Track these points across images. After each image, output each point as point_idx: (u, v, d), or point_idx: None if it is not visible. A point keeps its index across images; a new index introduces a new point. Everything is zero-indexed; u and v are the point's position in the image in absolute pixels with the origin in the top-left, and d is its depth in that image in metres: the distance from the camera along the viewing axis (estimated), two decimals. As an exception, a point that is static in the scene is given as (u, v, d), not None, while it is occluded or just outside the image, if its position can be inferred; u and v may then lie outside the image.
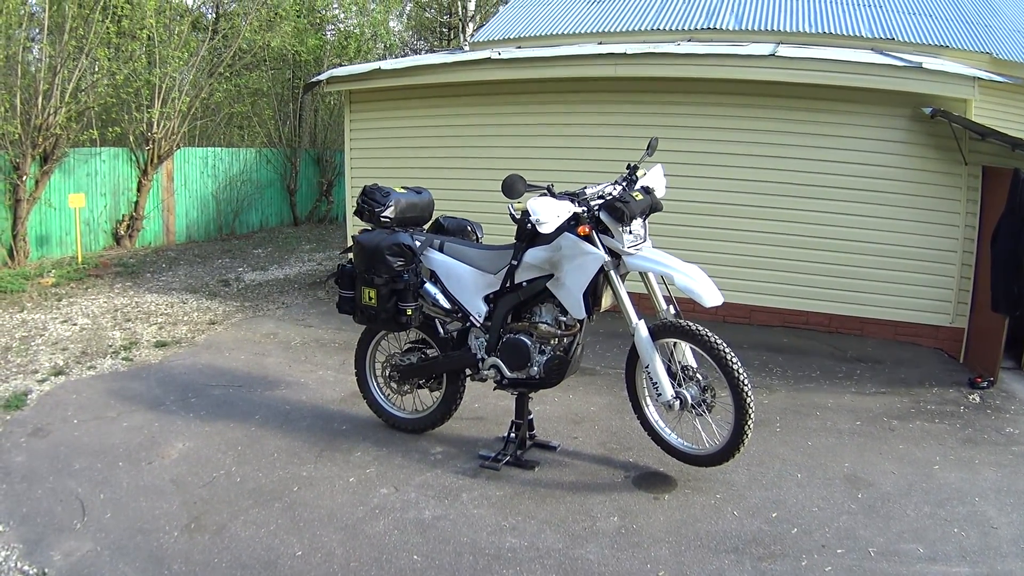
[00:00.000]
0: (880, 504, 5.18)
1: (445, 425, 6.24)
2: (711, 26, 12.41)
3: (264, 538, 4.67)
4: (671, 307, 5.39)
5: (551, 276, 5.34)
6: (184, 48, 16.21)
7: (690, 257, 5.43)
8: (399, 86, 10.96)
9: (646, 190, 5.38)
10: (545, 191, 5.19)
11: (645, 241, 5.32)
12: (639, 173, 5.57)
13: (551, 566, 4.39)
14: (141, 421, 6.50)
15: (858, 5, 12.65)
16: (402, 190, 6.06)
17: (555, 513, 4.97)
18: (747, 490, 5.33)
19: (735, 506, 5.09)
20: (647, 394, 5.52)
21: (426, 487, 5.33)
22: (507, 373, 5.58)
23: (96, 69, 14.59)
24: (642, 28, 12.84)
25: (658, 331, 5.20)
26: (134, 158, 15.99)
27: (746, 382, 4.93)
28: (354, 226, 11.14)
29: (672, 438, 5.48)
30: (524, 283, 5.49)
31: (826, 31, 11.87)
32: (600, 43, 11.71)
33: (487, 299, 5.71)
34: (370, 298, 5.72)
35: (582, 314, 5.23)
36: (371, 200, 5.88)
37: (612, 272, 5.17)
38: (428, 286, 5.86)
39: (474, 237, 6.23)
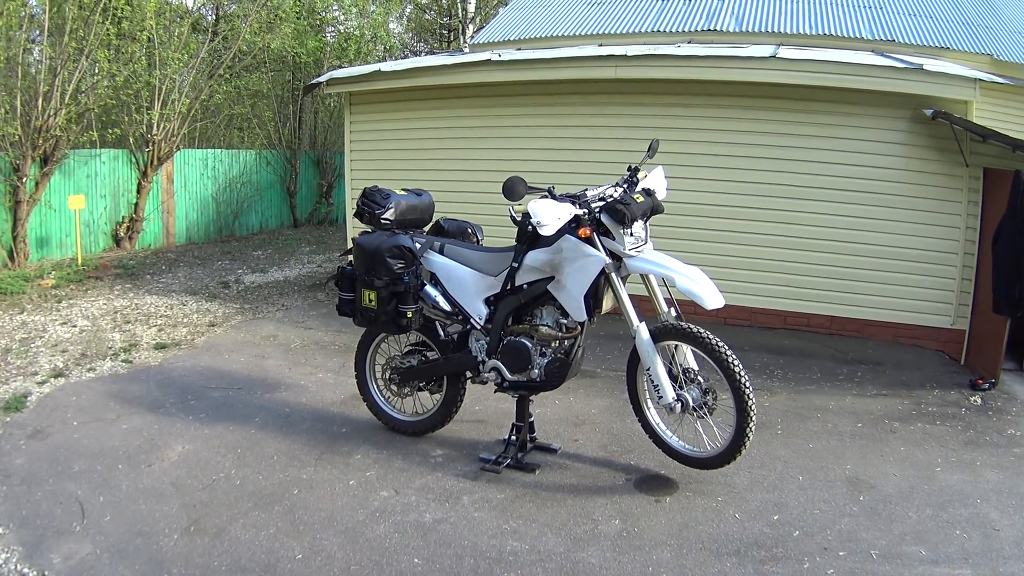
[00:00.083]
0: (882, 506, 5.18)
1: (445, 428, 6.23)
2: (711, 28, 12.39)
3: (264, 541, 4.65)
4: (672, 309, 5.38)
5: (552, 278, 5.33)
6: (184, 50, 16.21)
7: (690, 259, 5.41)
8: (399, 88, 10.95)
9: (647, 192, 5.36)
10: (546, 193, 5.18)
11: (646, 243, 5.31)
12: (640, 175, 5.56)
13: (552, 569, 4.38)
14: (141, 423, 6.49)
15: (858, 7, 12.63)
16: (402, 192, 6.05)
17: (556, 516, 4.96)
18: (748, 492, 5.32)
19: (737, 509, 5.08)
20: (648, 396, 5.50)
21: (427, 490, 5.32)
22: (508, 376, 5.57)
23: (96, 71, 14.57)
24: (642, 30, 12.82)
25: (659, 333, 5.19)
26: (134, 160, 15.99)
27: (748, 384, 4.92)
28: (354, 228, 11.12)
29: (673, 440, 5.47)
30: (525, 285, 5.48)
31: (826, 33, 11.85)
32: (600, 45, 11.69)
33: (488, 301, 5.70)
34: (370, 300, 5.71)
35: (583, 316, 5.22)
36: (371, 202, 5.87)
37: (613, 274, 5.16)
38: (428, 288, 5.85)
39: (474, 239, 6.21)
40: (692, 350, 5.22)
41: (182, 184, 17.42)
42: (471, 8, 26.94)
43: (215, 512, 5.01)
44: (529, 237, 5.38)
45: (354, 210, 6.15)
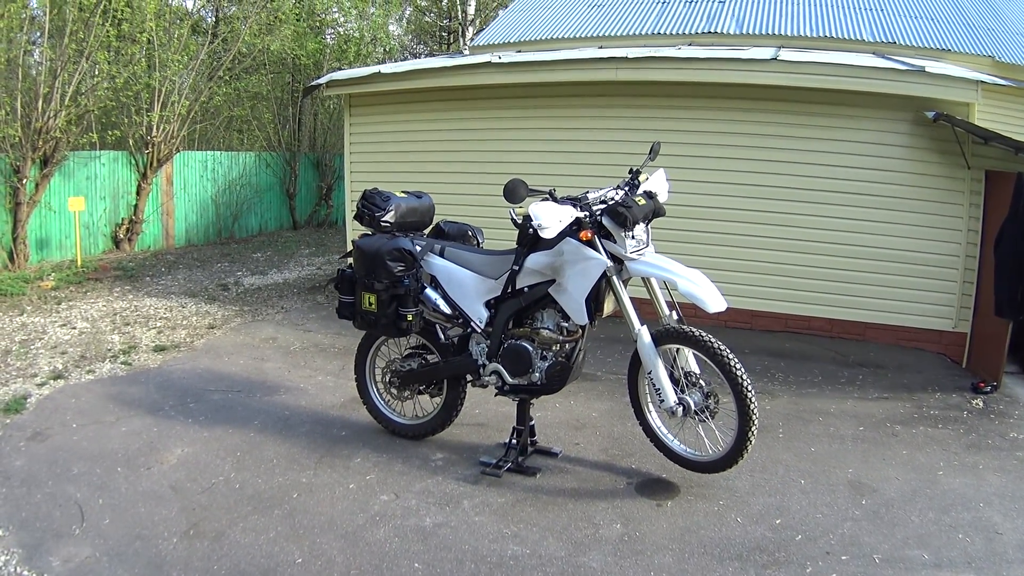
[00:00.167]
0: (884, 510, 5.16)
1: (446, 431, 6.20)
2: (712, 30, 12.37)
3: (264, 545, 4.63)
4: (674, 312, 5.36)
5: (553, 281, 5.31)
6: (184, 52, 16.21)
7: (691, 261, 5.40)
8: (399, 90, 10.94)
9: (649, 195, 5.34)
10: (547, 196, 5.15)
11: (648, 246, 5.29)
12: (642, 177, 5.53)
13: (554, 574, 4.36)
14: (140, 426, 6.47)
15: (859, 9, 12.61)
16: (402, 194, 6.03)
17: (557, 520, 4.94)
18: (750, 496, 5.30)
19: (738, 513, 5.06)
20: (650, 400, 5.47)
21: (427, 494, 5.30)
22: (508, 379, 5.55)
23: (96, 72, 14.57)
24: (642, 32, 12.79)
25: (661, 337, 5.17)
26: (133, 161, 15.99)
27: (750, 388, 4.90)
28: (354, 230, 11.10)
29: (675, 444, 5.45)
30: (526, 288, 5.46)
31: (827, 35, 11.83)
32: (600, 47, 11.68)
33: (488, 304, 5.68)
34: (370, 303, 5.69)
35: (584, 320, 5.20)
36: (371, 205, 5.85)
37: (614, 277, 5.14)
38: (429, 291, 5.82)
39: (475, 242, 6.19)
40: (694, 354, 5.20)
41: (181, 186, 17.41)
42: (471, 10, 26.93)
43: (214, 516, 4.99)
44: (530, 240, 5.36)
45: (354, 212, 6.13)
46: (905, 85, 8.38)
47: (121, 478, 5.51)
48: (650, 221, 5.29)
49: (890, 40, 11.57)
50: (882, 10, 12.51)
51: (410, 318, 5.64)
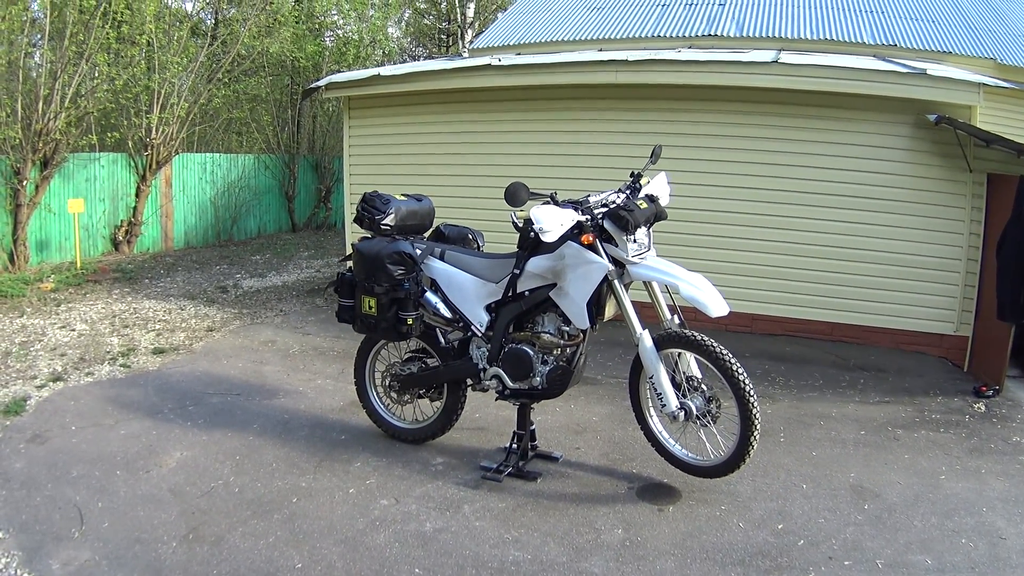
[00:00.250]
0: (887, 515, 5.14)
1: (446, 435, 6.18)
2: (712, 33, 12.37)
3: (263, 550, 4.61)
4: (675, 316, 5.34)
5: (554, 285, 5.29)
6: (183, 54, 16.21)
7: (691, 265, 5.37)
8: (399, 92, 10.92)
9: (650, 198, 5.32)
10: (548, 199, 5.13)
11: (649, 250, 5.26)
12: (643, 181, 5.51)
13: (555, 580, 4.34)
14: (139, 429, 6.45)
15: (860, 11, 12.61)
16: (402, 197, 6.00)
17: (558, 525, 4.92)
18: (752, 501, 5.28)
19: (740, 518, 5.04)
20: (651, 405, 5.45)
21: (427, 499, 5.28)
22: (509, 383, 5.53)
23: (96, 74, 14.58)
24: (643, 35, 12.80)
25: (662, 341, 5.14)
26: (133, 164, 15.97)
27: (751, 393, 4.88)
28: (353, 233, 11.08)
29: (676, 449, 5.43)
30: (526, 292, 5.43)
31: (828, 38, 11.83)
32: (600, 49, 11.67)
33: (489, 308, 5.65)
34: (370, 307, 5.66)
35: (586, 324, 5.18)
36: (371, 207, 5.82)
37: (616, 281, 5.12)
38: (429, 295, 5.80)
39: (475, 245, 6.17)
40: (696, 358, 5.18)
41: (180, 188, 17.39)
42: (470, 13, 26.94)
43: (214, 520, 4.97)
44: (531, 243, 5.34)
45: (353, 215, 6.10)
46: (907, 88, 8.37)
47: (120, 481, 5.49)
48: (652, 225, 5.27)
49: (891, 42, 11.58)
50: (883, 12, 12.52)
51: (410, 322, 5.61)
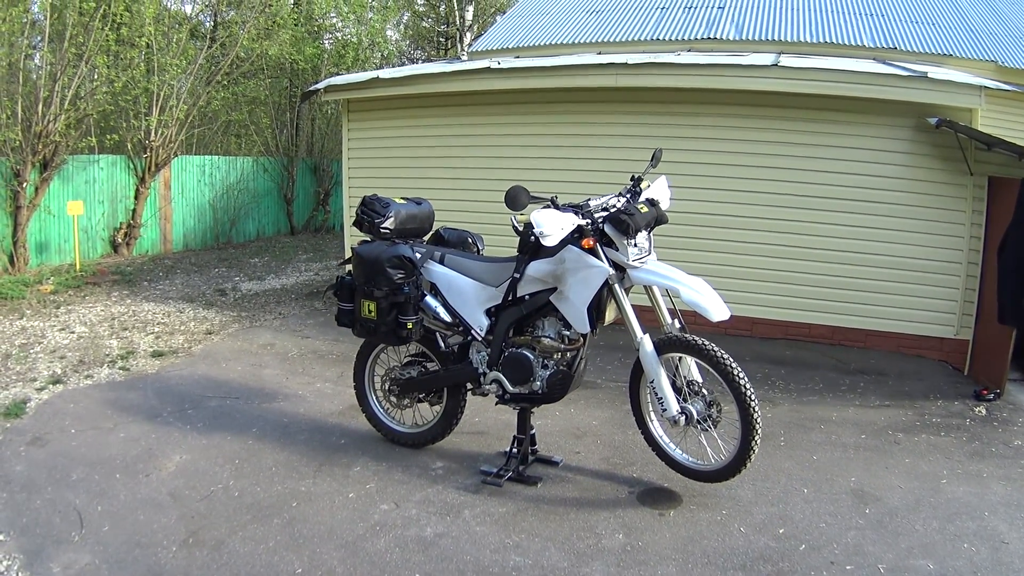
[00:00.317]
0: (888, 519, 5.12)
1: (445, 440, 6.16)
2: (711, 36, 12.37)
3: (263, 555, 4.59)
4: (676, 321, 5.32)
5: (554, 289, 5.28)
6: (182, 56, 16.22)
7: (691, 268, 5.36)
8: (398, 95, 10.91)
9: (651, 202, 5.31)
10: (549, 203, 5.11)
11: (650, 254, 5.25)
12: (643, 185, 5.50)
13: (556, 585, 4.33)
14: (138, 432, 6.44)
15: (860, 14, 12.62)
16: (402, 201, 5.98)
17: (559, 530, 4.90)
18: (753, 506, 5.26)
19: (741, 522, 5.02)
20: (651, 409, 5.44)
21: (427, 503, 5.26)
22: (509, 388, 5.51)
23: (95, 76, 14.59)
24: (642, 38, 12.80)
25: (663, 345, 5.13)
26: (132, 166, 15.98)
27: (753, 397, 4.87)
28: (352, 237, 11.08)
29: (677, 453, 5.42)
30: (527, 296, 5.42)
31: (827, 40, 11.84)
32: (599, 53, 11.67)
33: (489, 312, 5.64)
34: (370, 311, 5.64)
35: (586, 328, 5.17)
36: (371, 211, 5.80)
37: (616, 286, 5.11)
38: (429, 299, 5.78)
39: (475, 249, 6.14)
40: (696, 362, 5.16)
41: (179, 191, 17.39)
42: (468, 16, 26.94)
43: (213, 524, 4.95)
44: (531, 248, 5.32)
45: (353, 219, 6.09)
46: (908, 91, 8.36)
47: (120, 485, 5.48)
48: (652, 229, 5.26)
49: (891, 45, 11.58)
50: (882, 15, 12.52)
51: (410, 326, 5.59)
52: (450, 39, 31.45)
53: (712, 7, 13.41)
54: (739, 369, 4.90)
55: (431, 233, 6.24)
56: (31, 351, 8.72)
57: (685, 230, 9.16)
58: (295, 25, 20.16)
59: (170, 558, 4.55)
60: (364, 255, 5.66)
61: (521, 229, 5.36)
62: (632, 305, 5.20)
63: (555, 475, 5.70)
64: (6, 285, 11.73)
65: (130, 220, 15.96)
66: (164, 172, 16.66)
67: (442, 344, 5.96)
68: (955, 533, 4.94)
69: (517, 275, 5.40)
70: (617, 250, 5.11)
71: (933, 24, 12.43)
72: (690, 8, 13.58)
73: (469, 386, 5.87)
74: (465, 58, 14.06)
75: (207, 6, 20.18)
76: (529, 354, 5.41)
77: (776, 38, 12.11)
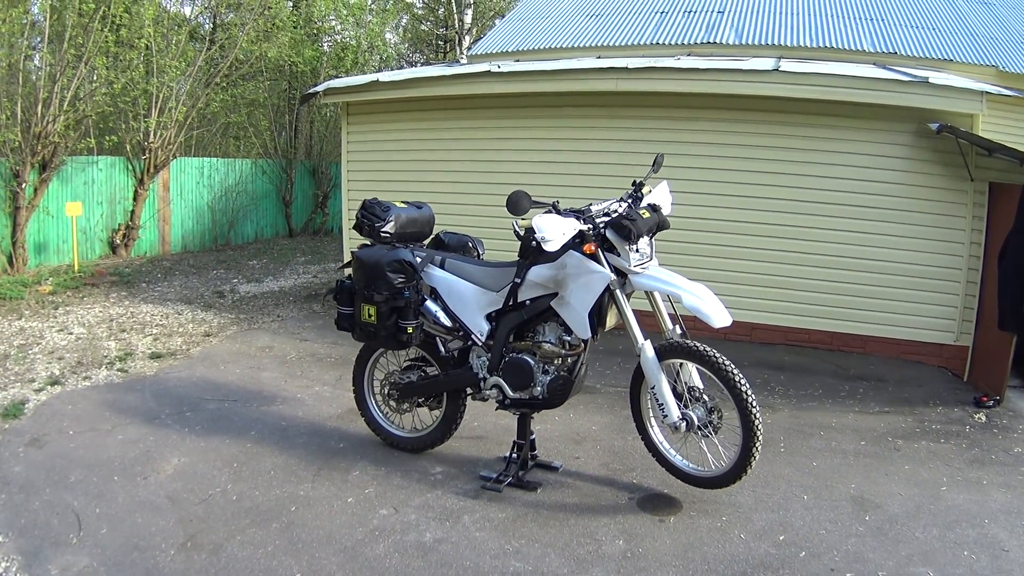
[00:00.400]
0: (888, 526, 5.11)
1: (445, 444, 6.13)
2: (711, 40, 12.37)
3: (262, 559, 4.57)
4: (677, 326, 5.31)
5: (555, 295, 5.26)
6: (181, 58, 16.23)
7: (690, 273, 5.36)
8: (397, 98, 10.88)
9: (653, 207, 5.30)
10: (550, 208, 5.11)
11: (651, 259, 5.24)
12: (645, 190, 5.49)
13: (556, 591, 4.31)
14: (136, 435, 6.42)
15: (860, 19, 12.62)
16: (402, 205, 5.97)
17: (559, 536, 4.88)
18: (753, 512, 5.25)
19: (742, 529, 5.01)
20: (652, 415, 5.42)
21: (426, 508, 5.24)
22: (510, 393, 5.49)
23: (94, 78, 14.60)
24: (641, 42, 12.79)
25: (664, 351, 5.12)
26: (131, 167, 15.99)
27: (754, 404, 4.86)
28: (351, 240, 11.07)
29: (677, 459, 5.40)
30: (527, 301, 5.40)
31: (827, 45, 11.83)
32: (599, 57, 11.67)
33: (489, 317, 5.62)
34: (370, 315, 5.63)
35: (587, 334, 5.15)
36: (371, 215, 5.79)
37: (618, 291, 5.09)
38: (429, 303, 5.76)
39: (475, 253, 6.12)
40: (698, 368, 5.15)
41: (178, 192, 17.39)
42: (467, 19, 26.93)
43: (212, 528, 4.93)
44: (532, 252, 5.30)
45: (353, 222, 6.07)
46: (909, 96, 8.35)
47: (118, 487, 5.47)
48: (654, 234, 5.25)
49: (891, 50, 11.58)
50: (882, 20, 12.52)
51: (410, 330, 5.58)
52: (449, 42, 31.45)
53: (712, 11, 13.42)
54: (741, 375, 4.89)
55: (431, 237, 6.23)
56: (29, 352, 8.70)
57: (685, 234, 9.13)
58: (294, 27, 20.15)
59: (168, 562, 4.53)
60: (364, 259, 5.64)
61: (522, 234, 5.34)
62: (633, 310, 5.19)
63: (555, 480, 5.68)
64: (5, 285, 11.73)
65: (128, 221, 15.96)
66: (163, 174, 16.67)
67: (442, 349, 5.94)
68: (955, 541, 4.93)
69: (518, 280, 5.39)
70: (619, 255, 5.09)
71: (933, 29, 12.43)
72: (690, 12, 13.58)
73: (469, 391, 5.84)
74: (464, 61, 14.06)
75: (206, 8, 20.19)
76: (530, 359, 5.39)
77: (776, 43, 12.10)
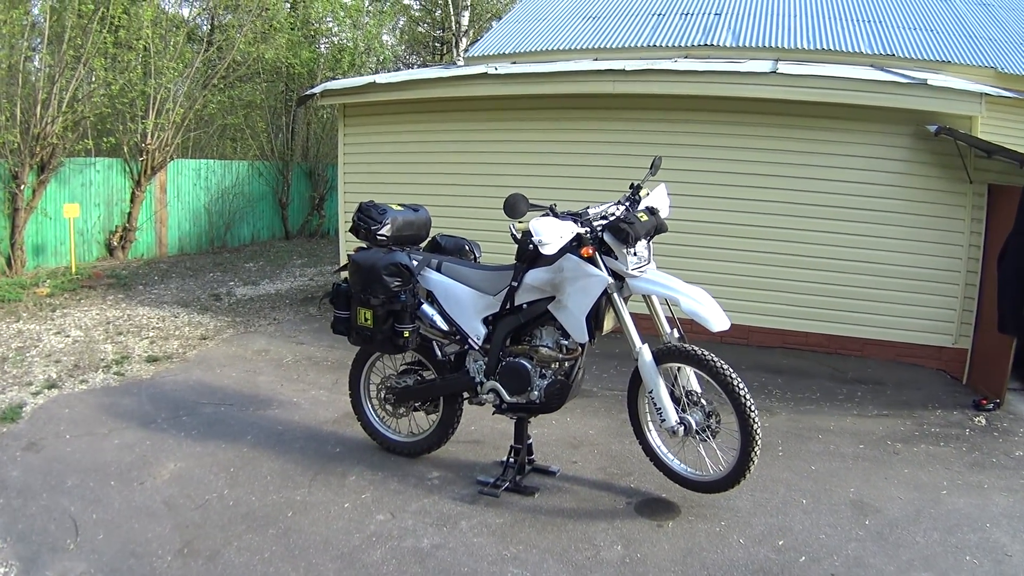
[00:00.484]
0: (888, 531, 5.09)
1: (441, 449, 6.10)
2: (708, 42, 12.34)
3: (258, 565, 4.54)
4: (675, 330, 5.28)
5: (552, 298, 5.23)
6: (179, 59, 16.24)
7: (687, 276, 5.32)
8: (394, 100, 10.86)
9: (651, 210, 5.27)
10: (547, 211, 5.08)
11: (649, 263, 5.21)
12: (643, 193, 5.47)
13: (554, 598, 4.29)
14: (133, 439, 6.39)
15: (857, 21, 12.60)
16: (399, 207, 5.93)
17: (557, 542, 4.85)
18: (752, 516, 5.22)
19: (740, 533, 4.98)
20: (650, 419, 5.40)
21: (423, 513, 5.21)
22: (507, 397, 5.46)
23: (93, 79, 14.59)
24: (639, 44, 12.76)
25: (662, 355, 5.09)
26: (128, 169, 16.00)
27: (752, 408, 4.83)
28: (347, 242, 11.03)
29: (675, 464, 5.37)
30: (524, 305, 5.37)
31: (825, 47, 11.80)
32: (596, 59, 11.64)
33: (486, 321, 5.59)
34: (366, 319, 5.60)
35: (584, 338, 5.12)
36: (367, 218, 5.76)
37: (615, 295, 5.07)
38: (425, 307, 5.73)
39: (472, 257, 6.10)
40: (695, 372, 5.12)
41: (175, 194, 17.39)
42: (464, 21, 26.93)
43: (208, 534, 4.90)
44: (530, 256, 5.27)
45: (349, 225, 6.04)
46: (907, 99, 8.33)
47: (115, 492, 5.44)
48: (652, 237, 5.22)
49: (888, 52, 11.55)
50: (880, 22, 12.50)
51: (407, 334, 5.54)
52: (446, 44, 31.45)
53: (709, 14, 13.40)
54: (739, 380, 4.86)
55: (428, 240, 6.20)
56: (27, 354, 8.68)
57: (682, 237, 9.07)
58: (291, 29, 20.15)
59: (165, 568, 4.50)
60: (361, 262, 5.62)
61: (519, 237, 5.31)
62: (631, 313, 5.16)
63: (552, 485, 5.65)
64: (3, 288, 11.75)
65: (126, 223, 15.97)
66: (160, 175, 16.67)
67: (439, 353, 5.91)
68: (956, 545, 4.90)
69: (515, 283, 5.36)
70: (616, 259, 5.06)
71: (931, 30, 12.41)
72: (687, 15, 13.56)
73: (466, 395, 5.82)
74: (461, 63, 14.03)
75: (204, 10, 20.19)
76: (527, 363, 5.37)
77: (773, 45, 12.07)
